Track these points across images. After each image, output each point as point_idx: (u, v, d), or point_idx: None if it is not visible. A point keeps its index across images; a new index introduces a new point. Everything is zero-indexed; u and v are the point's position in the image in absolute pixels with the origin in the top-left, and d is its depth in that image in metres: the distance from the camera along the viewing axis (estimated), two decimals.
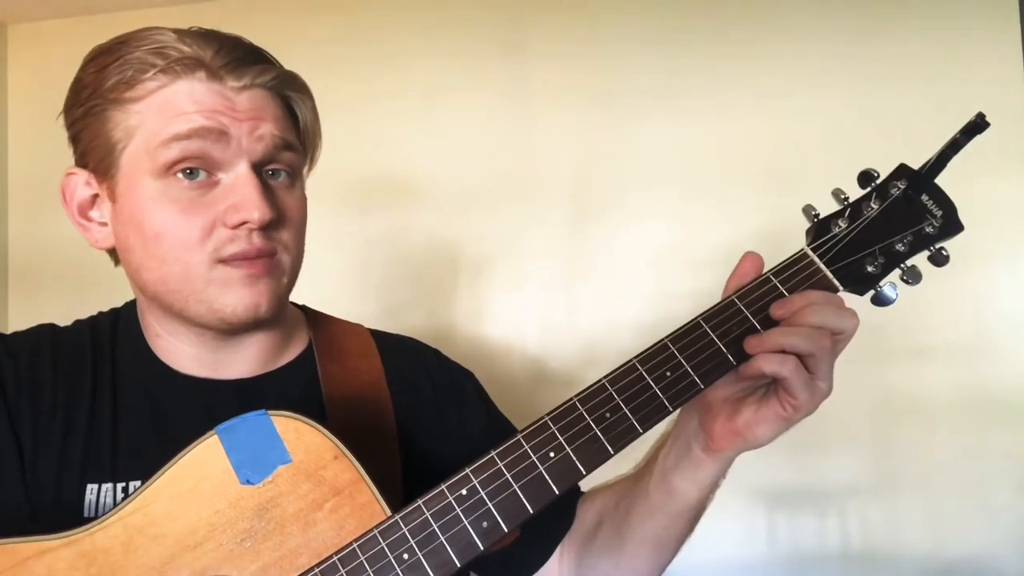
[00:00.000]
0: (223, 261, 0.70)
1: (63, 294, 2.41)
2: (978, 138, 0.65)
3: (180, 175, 0.69)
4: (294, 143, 0.75)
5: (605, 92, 2.27)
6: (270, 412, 0.66)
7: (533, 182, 2.29)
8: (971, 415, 2.08)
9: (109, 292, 0.85)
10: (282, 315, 0.82)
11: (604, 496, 0.84)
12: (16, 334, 0.80)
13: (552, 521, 0.85)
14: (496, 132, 2.32)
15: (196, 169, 0.69)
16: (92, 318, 0.83)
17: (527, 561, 0.85)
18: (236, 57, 0.71)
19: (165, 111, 0.69)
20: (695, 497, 0.75)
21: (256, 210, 0.69)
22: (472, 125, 2.33)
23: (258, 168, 0.72)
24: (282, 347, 0.82)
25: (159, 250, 0.70)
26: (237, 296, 0.71)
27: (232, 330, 0.74)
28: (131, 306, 0.83)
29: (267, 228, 0.71)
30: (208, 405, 0.76)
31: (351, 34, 2.40)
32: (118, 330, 0.81)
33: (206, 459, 0.65)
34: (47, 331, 0.81)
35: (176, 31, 0.71)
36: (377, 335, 0.89)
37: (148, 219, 0.70)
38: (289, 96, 0.76)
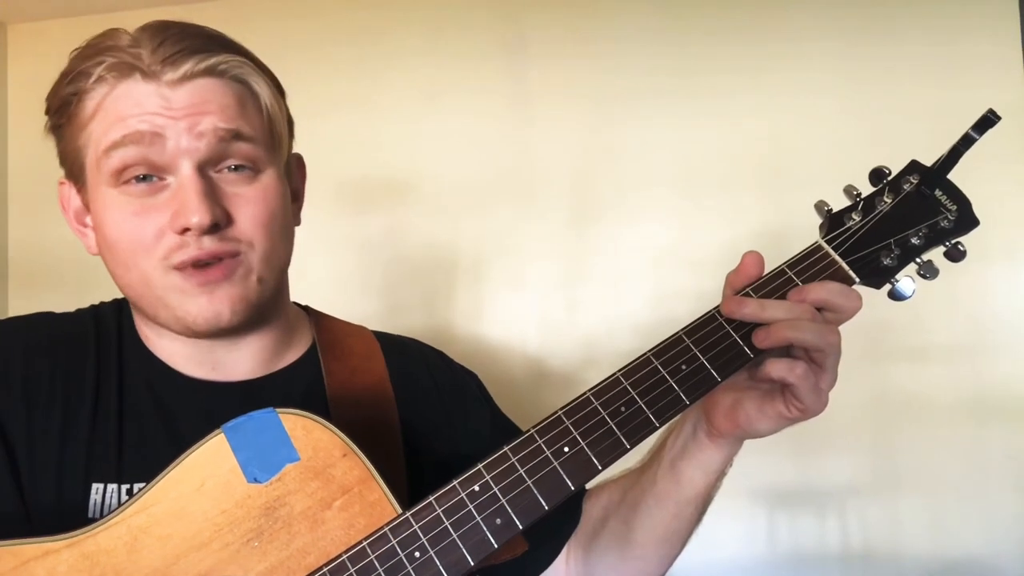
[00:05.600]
0: (176, 268, 0.68)
1: (63, 294, 2.35)
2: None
3: (133, 181, 0.67)
4: (247, 132, 0.69)
5: (605, 92, 2.27)
6: (278, 409, 0.65)
7: (533, 182, 2.29)
8: (971, 415, 2.08)
9: (109, 293, 0.84)
10: (280, 314, 0.80)
11: (609, 491, 0.84)
12: (10, 321, 0.77)
13: (559, 520, 0.84)
14: (496, 132, 2.32)
15: (147, 174, 0.67)
16: (94, 307, 0.81)
17: (534, 561, 0.84)
18: (177, 49, 0.66)
19: (105, 120, 0.67)
20: (702, 484, 0.75)
21: (195, 214, 0.65)
22: (472, 125, 2.32)
23: (205, 166, 0.68)
24: (284, 347, 0.81)
25: (120, 257, 0.70)
26: (196, 306, 0.68)
27: (208, 336, 0.72)
28: None
29: (219, 229, 0.67)
30: (210, 407, 0.74)
31: (351, 34, 2.39)
32: (123, 322, 0.78)
33: (212, 458, 0.64)
34: (44, 319, 0.78)
35: (137, 30, 0.69)
36: (381, 336, 0.88)
37: (107, 227, 0.69)
38: (246, 81, 0.70)
